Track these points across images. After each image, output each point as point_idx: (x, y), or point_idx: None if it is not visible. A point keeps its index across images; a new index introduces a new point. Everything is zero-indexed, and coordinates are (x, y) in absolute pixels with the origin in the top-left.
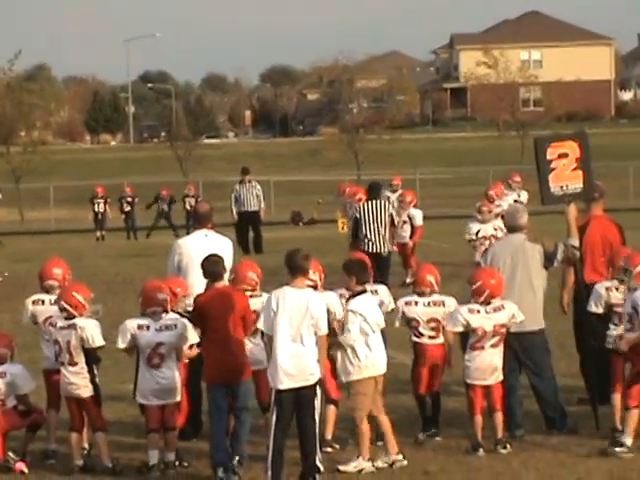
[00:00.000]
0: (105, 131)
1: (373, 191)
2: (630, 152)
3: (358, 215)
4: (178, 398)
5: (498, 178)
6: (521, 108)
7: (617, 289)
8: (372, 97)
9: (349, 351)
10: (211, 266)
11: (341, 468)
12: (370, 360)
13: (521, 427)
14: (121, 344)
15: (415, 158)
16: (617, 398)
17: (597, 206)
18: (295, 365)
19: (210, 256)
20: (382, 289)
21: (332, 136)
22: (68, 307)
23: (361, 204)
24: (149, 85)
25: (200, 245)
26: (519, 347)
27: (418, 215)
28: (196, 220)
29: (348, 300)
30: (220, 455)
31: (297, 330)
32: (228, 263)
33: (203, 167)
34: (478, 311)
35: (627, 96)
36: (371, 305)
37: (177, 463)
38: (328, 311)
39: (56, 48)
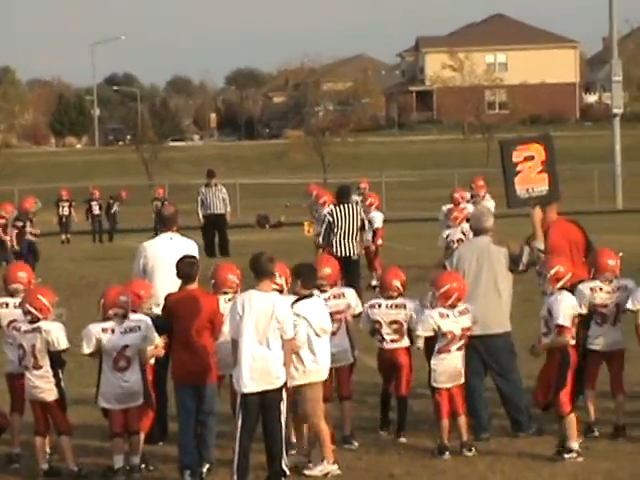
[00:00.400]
0: (70, 134)
1: (343, 195)
2: (595, 155)
3: (330, 219)
4: (141, 401)
5: (463, 181)
6: (486, 111)
7: (601, 289)
8: (338, 100)
9: (294, 355)
10: (185, 267)
11: (307, 472)
12: (315, 365)
13: (487, 430)
14: (86, 349)
15: (381, 161)
16: (591, 394)
17: (552, 209)
18: (261, 369)
19: (185, 257)
20: (349, 292)
21: (298, 139)
22: (33, 310)
23: (332, 208)
24: (114, 88)
25: (165, 248)
26: (484, 350)
27: (378, 217)
28: (161, 223)
29: (293, 303)
30: (188, 458)
31: (263, 334)
32: None
33: (169, 170)
34: (448, 315)
35: (592, 99)
36: (317, 309)
37: (143, 466)
38: None
39: (21, 51)
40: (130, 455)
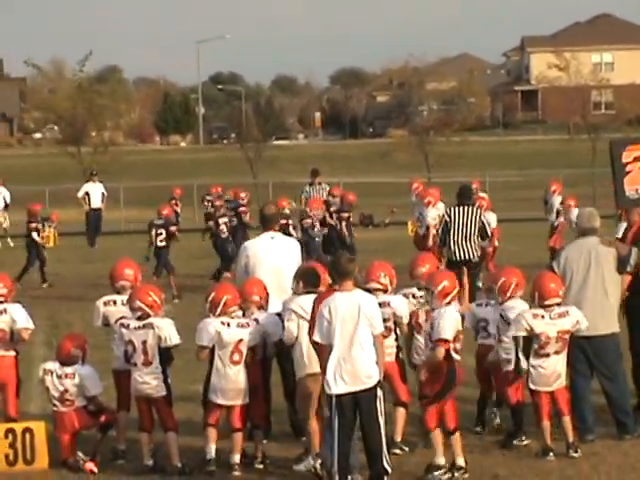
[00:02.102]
0: (175, 132)
1: (463, 195)
2: None
3: (448, 219)
4: (246, 400)
5: (568, 181)
6: (592, 111)
7: None
8: (442, 99)
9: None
10: (339, 265)
11: (295, 468)
12: (302, 360)
13: (592, 432)
14: (205, 342)
15: (485, 161)
16: None
17: None
18: (352, 369)
19: (344, 255)
20: None
21: (402, 138)
22: (144, 306)
23: (450, 209)
24: (219, 86)
25: (266, 247)
26: (591, 351)
27: (492, 218)
28: (262, 222)
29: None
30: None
31: (354, 333)
32: (292, 265)
33: (273, 168)
34: (542, 317)
35: None
36: (309, 305)
37: (260, 460)
38: (395, 314)
39: (128, 50)
40: (230, 453)
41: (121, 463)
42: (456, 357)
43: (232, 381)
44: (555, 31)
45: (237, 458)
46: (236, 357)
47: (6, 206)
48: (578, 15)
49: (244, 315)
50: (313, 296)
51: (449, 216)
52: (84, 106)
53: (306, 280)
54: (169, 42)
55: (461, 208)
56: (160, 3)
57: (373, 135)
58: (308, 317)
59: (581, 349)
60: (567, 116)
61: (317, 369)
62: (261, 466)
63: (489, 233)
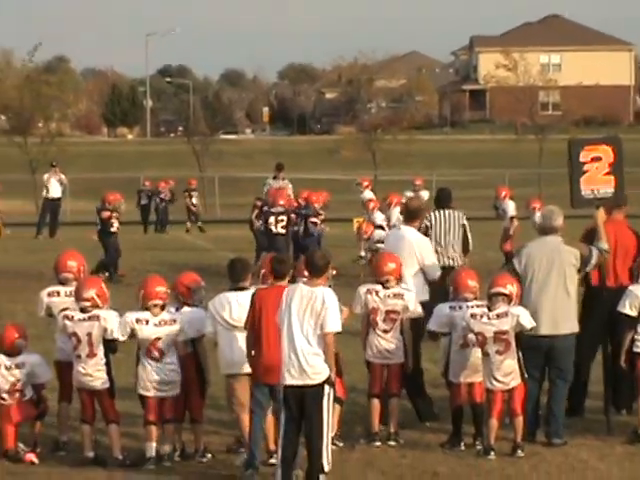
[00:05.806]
0: (122, 124)
1: (443, 199)
2: None
3: (428, 224)
4: (177, 391)
5: (514, 181)
6: (539, 112)
7: None
8: (391, 97)
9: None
10: (276, 264)
11: (236, 463)
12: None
13: (534, 433)
14: (121, 337)
15: (432, 159)
16: None
17: (618, 213)
18: (298, 363)
19: (277, 255)
20: (409, 295)
21: (349, 135)
22: (95, 296)
23: (431, 213)
24: (167, 79)
25: (391, 240)
26: (550, 350)
27: None
28: (405, 214)
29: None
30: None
31: (302, 327)
32: (405, 256)
33: (219, 163)
34: (481, 316)
35: None
36: (226, 304)
37: (201, 454)
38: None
39: (75, 40)
40: (162, 443)
41: (62, 454)
42: None
43: (156, 375)
44: (504, 31)
45: (167, 448)
46: (154, 354)
47: None
48: (528, 16)
49: (177, 310)
50: (232, 295)
51: (429, 221)
52: (31, 96)
53: (230, 274)
54: (118, 34)
55: (441, 212)
56: None
57: (321, 132)
58: (221, 317)
59: (536, 349)
60: (514, 116)
61: (237, 370)
62: (203, 459)
63: (470, 242)
